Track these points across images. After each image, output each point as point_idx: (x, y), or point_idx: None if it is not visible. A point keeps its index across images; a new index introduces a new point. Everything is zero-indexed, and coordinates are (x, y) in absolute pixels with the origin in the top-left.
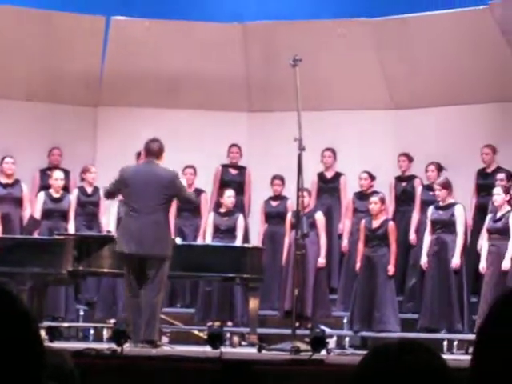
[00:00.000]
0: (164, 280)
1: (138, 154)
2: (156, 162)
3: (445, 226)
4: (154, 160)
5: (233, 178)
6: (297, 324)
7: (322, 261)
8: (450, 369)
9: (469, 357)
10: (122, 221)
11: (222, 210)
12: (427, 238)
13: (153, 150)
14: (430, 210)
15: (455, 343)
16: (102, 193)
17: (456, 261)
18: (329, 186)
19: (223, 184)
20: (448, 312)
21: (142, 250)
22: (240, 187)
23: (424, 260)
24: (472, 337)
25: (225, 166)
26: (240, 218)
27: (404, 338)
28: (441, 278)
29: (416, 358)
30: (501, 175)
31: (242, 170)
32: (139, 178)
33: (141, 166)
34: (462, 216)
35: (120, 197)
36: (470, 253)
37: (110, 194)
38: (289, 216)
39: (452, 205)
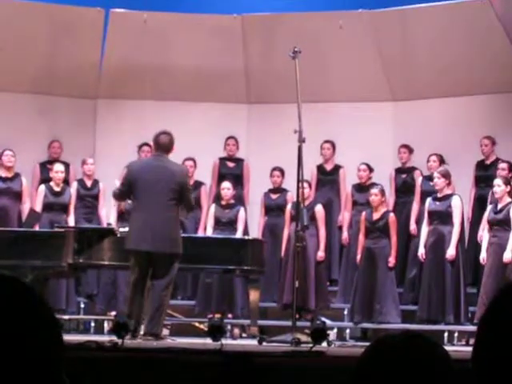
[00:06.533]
0: (173, 277)
1: (140, 147)
2: (165, 155)
3: (442, 217)
4: (163, 154)
5: (230, 171)
6: (297, 316)
7: (321, 254)
8: (452, 360)
9: (469, 348)
10: (132, 217)
11: (223, 203)
12: (424, 229)
13: (163, 144)
14: (428, 201)
15: (456, 334)
16: (111, 195)
17: (451, 252)
18: (328, 178)
19: (221, 177)
20: (442, 303)
21: (155, 247)
22: (238, 179)
23: (421, 251)
24: (473, 328)
25: (222, 159)
26: (241, 211)
27: (406, 330)
28: (437, 270)
29: (419, 350)
30: (503, 165)
31: (239, 162)
32: (149, 172)
33: (150, 160)
34: (459, 207)
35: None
36: (470, 244)
37: (120, 196)
38: (288, 207)
39: (449, 196)
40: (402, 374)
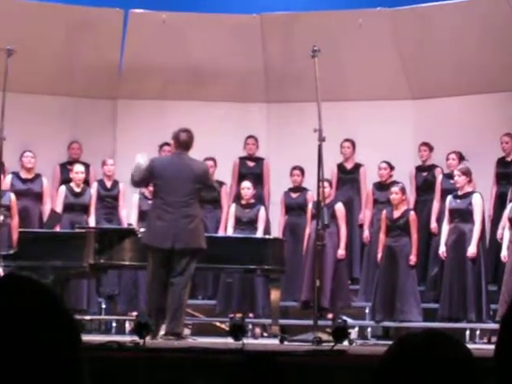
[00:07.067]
0: (191, 275)
1: (161, 147)
2: (186, 153)
3: (462, 215)
4: (183, 151)
5: (250, 170)
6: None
7: (341, 252)
8: (474, 358)
9: (492, 346)
10: (152, 213)
11: (244, 202)
12: (445, 228)
13: (183, 141)
14: (449, 199)
15: (477, 332)
16: (129, 181)
17: (472, 250)
18: (348, 176)
19: (241, 176)
20: (463, 301)
21: (178, 244)
22: (258, 179)
23: (442, 249)
24: (495, 326)
25: (242, 159)
26: (261, 210)
27: (428, 328)
28: (458, 268)
29: (441, 348)
30: None
31: (259, 161)
32: (171, 170)
33: (171, 158)
34: (480, 205)
35: (141, 190)
36: (491, 242)
37: (139, 179)
38: (310, 206)
39: (470, 194)
40: (424, 372)
